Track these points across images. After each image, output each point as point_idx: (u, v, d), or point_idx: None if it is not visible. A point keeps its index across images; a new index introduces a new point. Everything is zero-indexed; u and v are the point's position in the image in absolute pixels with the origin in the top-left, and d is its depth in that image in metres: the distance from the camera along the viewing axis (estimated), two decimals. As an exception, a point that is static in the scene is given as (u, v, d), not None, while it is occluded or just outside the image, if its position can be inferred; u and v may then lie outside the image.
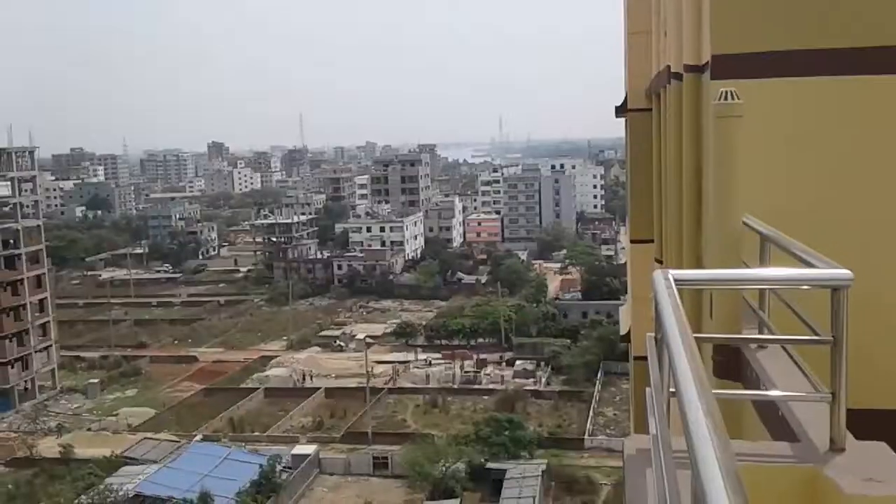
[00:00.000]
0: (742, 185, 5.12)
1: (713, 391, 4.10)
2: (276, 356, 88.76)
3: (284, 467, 54.88)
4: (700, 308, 6.60)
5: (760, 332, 4.80)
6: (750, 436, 4.50)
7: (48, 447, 63.39)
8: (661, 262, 11.51)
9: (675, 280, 3.21)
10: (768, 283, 4.18)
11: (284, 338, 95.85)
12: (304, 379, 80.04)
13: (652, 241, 12.77)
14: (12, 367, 75.97)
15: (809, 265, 3.59)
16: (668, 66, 8.85)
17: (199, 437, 63.46)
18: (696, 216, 7.31)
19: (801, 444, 3.53)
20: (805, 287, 3.73)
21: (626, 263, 20.51)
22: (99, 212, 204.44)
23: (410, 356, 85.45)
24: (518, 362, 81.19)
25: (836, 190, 6.01)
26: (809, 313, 3.79)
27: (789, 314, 4.14)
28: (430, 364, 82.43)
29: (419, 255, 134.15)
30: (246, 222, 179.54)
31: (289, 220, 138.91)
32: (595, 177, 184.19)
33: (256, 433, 65.86)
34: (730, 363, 5.00)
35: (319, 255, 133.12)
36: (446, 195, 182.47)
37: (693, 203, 7.34)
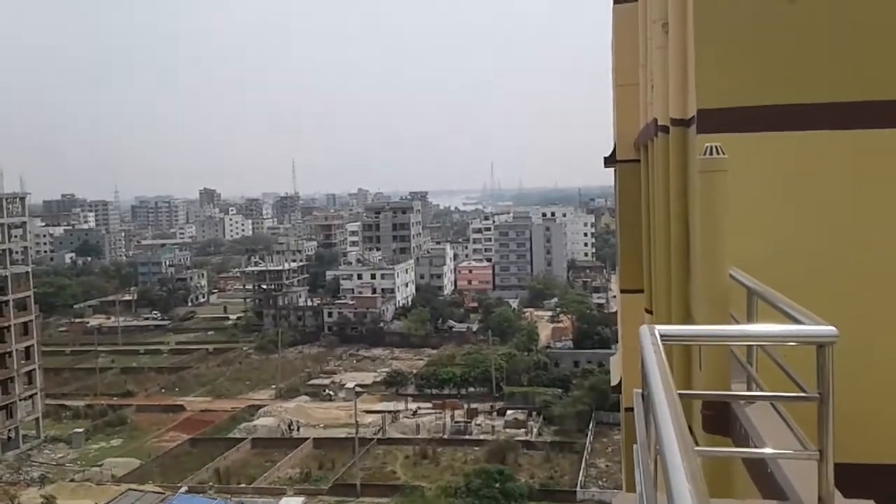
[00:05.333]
0: (728, 238, 5.14)
1: (701, 448, 4.06)
2: (265, 405, 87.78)
3: (271, 519, 53.93)
4: (690, 360, 6.58)
5: (749, 387, 4.77)
6: (740, 493, 4.44)
7: (31, 499, 62.17)
8: (650, 311, 11.49)
9: (662, 336, 3.19)
10: (754, 339, 4.17)
11: (273, 386, 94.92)
12: (291, 429, 79.03)
13: (642, 290, 12.77)
14: (-4, 416, 74.90)
15: (795, 321, 3.58)
16: (656, 119, 8.96)
17: (184, 489, 62.36)
18: (684, 269, 7.33)
19: (789, 503, 3.48)
20: (791, 343, 3.72)
21: (616, 312, 20.49)
22: (89, 258, 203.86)
23: (400, 405, 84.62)
24: (509, 412, 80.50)
25: (821, 243, 6.04)
26: (799, 367, 3.77)
27: (778, 368, 4.12)
28: (415, 413, 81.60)
29: (410, 303, 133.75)
30: (236, 269, 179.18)
31: (280, 267, 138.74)
32: (586, 225, 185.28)
33: (243, 485, 64.79)
34: (719, 418, 4.96)
35: (310, 303, 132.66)
36: (437, 242, 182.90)
37: (681, 255, 7.37)
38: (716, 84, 6.34)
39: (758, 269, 4.96)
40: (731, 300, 5.04)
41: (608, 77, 14.38)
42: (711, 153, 4.95)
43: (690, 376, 6.42)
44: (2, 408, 75.97)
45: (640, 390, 3.32)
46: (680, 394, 2.63)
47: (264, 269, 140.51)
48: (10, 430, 77.50)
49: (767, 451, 3.88)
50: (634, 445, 3.33)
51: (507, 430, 75.90)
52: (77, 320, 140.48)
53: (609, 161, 14.50)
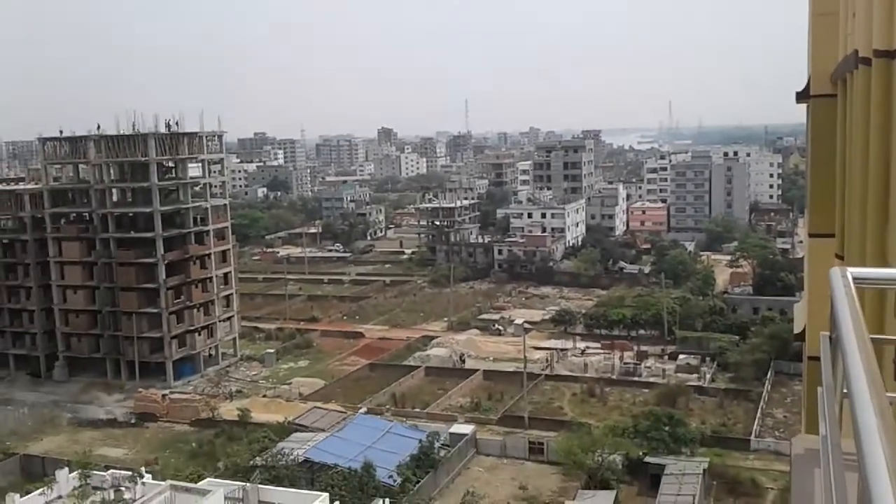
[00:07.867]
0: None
1: (891, 395, 3.93)
2: (437, 336, 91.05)
3: (443, 444, 56.35)
4: (883, 308, 6.24)
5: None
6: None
7: (228, 410, 68.57)
8: (841, 258, 10.86)
9: (854, 278, 3.12)
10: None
11: (445, 319, 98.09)
12: (462, 360, 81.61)
13: (833, 235, 12.04)
14: (199, 335, 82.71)
15: None
16: (856, 51, 8.32)
17: (363, 410, 66.37)
18: (882, 212, 6.88)
19: None
20: None
21: (803, 258, 19.37)
22: (278, 193, 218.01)
23: (568, 344, 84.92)
24: (681, 356, 78.68)
25: None
26: None
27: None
28: (583, 353, 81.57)
29: (580, 243, 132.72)
30: (411, 205, 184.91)
31: (452, 205, 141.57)
32: (772, 165, 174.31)
33: (417, 409, 68.05)
34: (913, 368, 4.73)
35: (480, 240, 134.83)
36: (610, 182, 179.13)
37: (880, 197, 6.91)
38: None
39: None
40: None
41: (803, 6, 13.36)
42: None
43: (884, 324, 6.11)
44: (204, 327, 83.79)
45: (827, 333, 3.27)
46: (872, 338, 2.59)
47: (437, 206, 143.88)
48: (210, 348, 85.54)
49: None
50: (819, 389, 3.30)
51: (679, 374, 74.32)
52: (268, 250, 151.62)
53: (802, 96, 13.57)
